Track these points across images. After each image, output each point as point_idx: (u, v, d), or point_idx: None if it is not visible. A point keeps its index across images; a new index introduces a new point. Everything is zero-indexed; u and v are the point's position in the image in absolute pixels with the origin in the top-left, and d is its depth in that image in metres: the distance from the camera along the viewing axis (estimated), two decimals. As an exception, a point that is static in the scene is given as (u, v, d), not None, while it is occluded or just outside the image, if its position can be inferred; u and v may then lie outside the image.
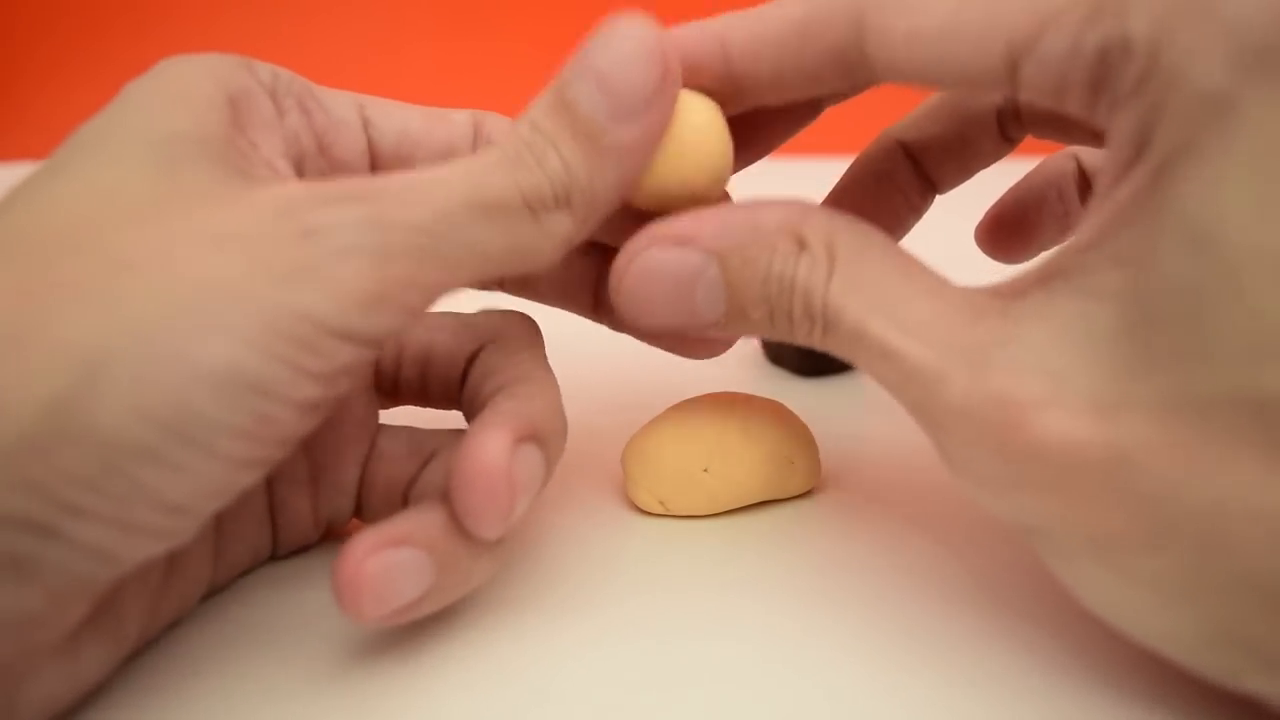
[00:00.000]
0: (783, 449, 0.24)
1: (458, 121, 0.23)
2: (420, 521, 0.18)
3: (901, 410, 0.30)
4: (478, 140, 0.23)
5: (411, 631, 0.20)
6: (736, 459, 0.24)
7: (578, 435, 0.29)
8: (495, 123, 0.23)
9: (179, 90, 0.18)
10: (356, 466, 0.22)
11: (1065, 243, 0.17)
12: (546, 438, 0.19)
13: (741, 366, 0.34)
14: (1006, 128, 0.25)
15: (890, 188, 0.26)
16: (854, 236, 0.19)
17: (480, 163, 0.18)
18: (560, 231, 0.18)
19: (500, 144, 0.18)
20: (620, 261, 0.20)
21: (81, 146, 0.17)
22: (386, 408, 0.24)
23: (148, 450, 0.14)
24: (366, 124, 0.22)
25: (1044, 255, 0.17)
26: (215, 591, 0.21)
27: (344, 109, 0.22)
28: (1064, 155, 0.27)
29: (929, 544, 0.23)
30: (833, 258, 0.19)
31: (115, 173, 0.17)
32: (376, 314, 0.16)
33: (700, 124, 0.20)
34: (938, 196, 0.27)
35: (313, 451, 0.22)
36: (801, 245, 0.19)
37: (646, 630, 0.20)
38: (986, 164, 0.26)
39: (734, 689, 0.18)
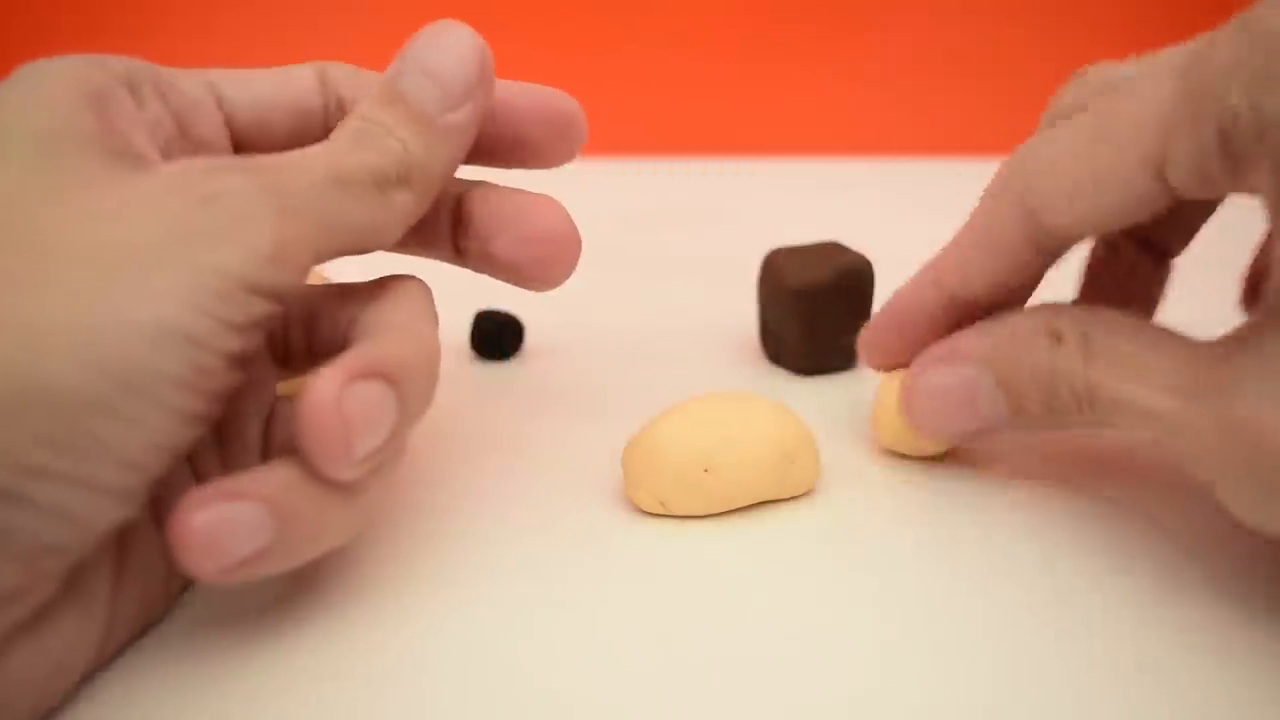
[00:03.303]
0: (783, 449, 0.24)
1: (302, 78, 0.24)
2: (260, 475, 0.18)
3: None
4: (325, 90, 0.24)
5: (407, 629, 0.20)
6: (736, 459, 0.24)
7: (578, 435, 0.29)
8: (336, 71, 0.24)
9: (43, 92, 0.19)
10: (258, 424, 0.22)
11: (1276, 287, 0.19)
12: (398, 377, 0.19)
13: (741, 366, 0.34)
14: None
15: (1125, 274, 0.28)
16: (1103, 320, 0.22)
17: (334, 144, 0.20)
18: (403, 207, 0.21)
19: (341, 130, 0.21)
20: (906, 385, 0.25)
21: None
22: (284, 379, 0.24)
23: (101, 403, 0.16)
24: (220, 101, 0.23)
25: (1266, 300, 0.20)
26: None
27: (197, 89, 0.23)
28: None
29: (928, 543, 0.23)
30: (1087, 343, 0.21)
31: (4, 169, 0.18)
32: (280, 269, 0.18)
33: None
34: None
35: None
36: (1059, 339, 0.22)
37: (646, 630, 0.20)
38: (1205, 218, 0.27)
39: (734, 688, 0.18)
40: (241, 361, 0.18)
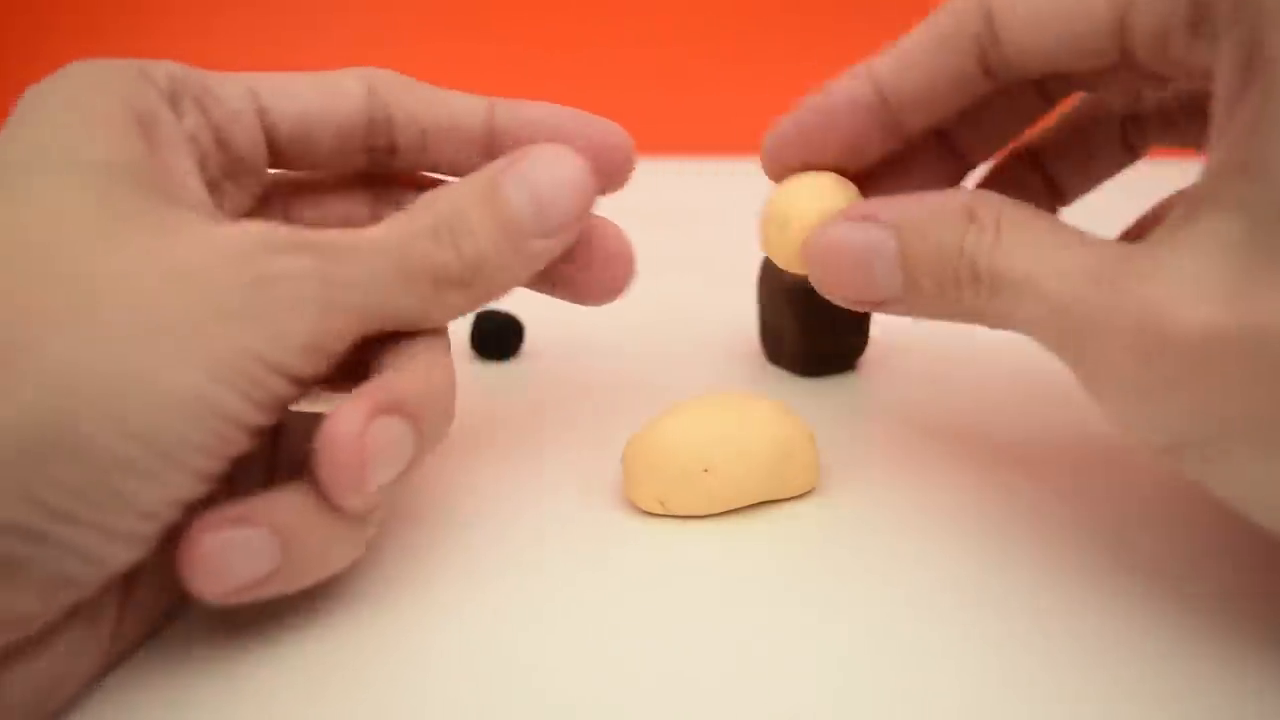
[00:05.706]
0: (783, 449, 0.24)
1: (350, 91, 0.24)
2: (268, 501, 0.18)
3: (901, 409, 0.30)
4: (373, 104, 0.24)
5: (405, 628, 0.20)
6: (736, 459, 0.24)
7: (578, 435, 0.29)
8: (387, 82, 0.24)
9: (92, 112, 0.19)
10: (267, 438, 0.22)
11: (1199, 179, 0.19)
12: (417, 413, 0.19)
13: (741, 366, 0.34)
14: (1129, 135, 0.26)
15: (1019, 195, 0.27)
16: (1019, 209, 0.21)
17: (407, 230, 0.20)
18: (453, 307, 0.21)
19: (423, 213, 0.20)
20: (813, 235, 0.23)
21: (8, 166, 0.18)
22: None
23: (130, 463, 0.16)
24: (261, 112, 0.23)
25: (1181, 191, 0.19)
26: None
27: (238, 99, 0.22)
28: None
29: (928, 544, 0.23)
30: (999, 227, 0.21)
31: (57, 197, 0.17)
32: (311, 358, 0.18)
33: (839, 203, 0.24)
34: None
35: None
36: (972, 218, 0.21)
37: (645, 630, 0.20)
38: (1110, 174, 0.27)
39: (733, 689, 0.18)
40: (260, 433, 0.18)
